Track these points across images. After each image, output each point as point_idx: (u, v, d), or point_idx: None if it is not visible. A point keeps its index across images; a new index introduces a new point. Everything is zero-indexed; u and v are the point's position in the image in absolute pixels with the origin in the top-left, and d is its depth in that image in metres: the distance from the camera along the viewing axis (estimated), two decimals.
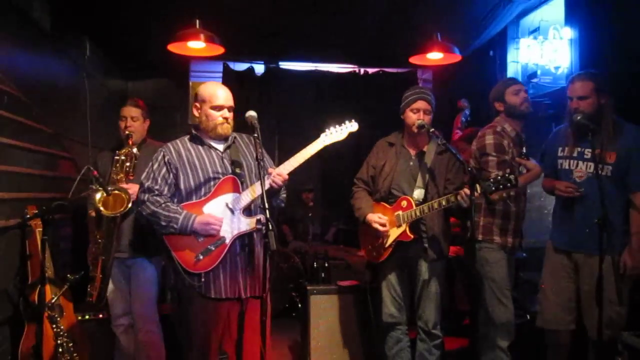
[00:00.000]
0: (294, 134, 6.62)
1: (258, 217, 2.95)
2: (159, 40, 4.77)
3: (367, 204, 3.67)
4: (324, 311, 4.17)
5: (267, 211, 2.67)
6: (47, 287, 3.30)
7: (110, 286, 3.70)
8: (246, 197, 3.00)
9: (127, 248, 3.68)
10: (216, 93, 3.09)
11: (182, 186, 3.03)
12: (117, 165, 3.62)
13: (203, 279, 2.93)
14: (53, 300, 3.37)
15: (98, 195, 3.43)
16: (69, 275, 3.38)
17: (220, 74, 6.84)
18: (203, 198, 3.01)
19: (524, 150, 3.62)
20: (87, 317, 3.90)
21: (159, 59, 5.85)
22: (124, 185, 3.54)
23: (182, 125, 7.09)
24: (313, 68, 7.14)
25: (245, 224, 2.99)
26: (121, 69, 6.53)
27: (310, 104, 7.10)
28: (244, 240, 3.01)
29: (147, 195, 3.00)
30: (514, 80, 3.80)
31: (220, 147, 3.13)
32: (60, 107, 4.54)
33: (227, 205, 2.99)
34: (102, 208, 3.45)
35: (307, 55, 6.93)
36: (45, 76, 4.39)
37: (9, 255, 3.47)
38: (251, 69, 6.94)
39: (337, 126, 3.35)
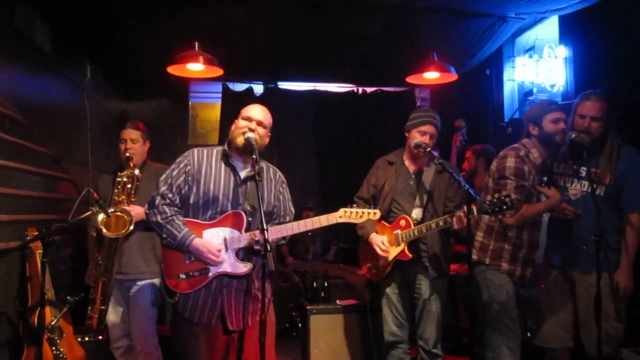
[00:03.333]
0: (292, 153, 6.67)
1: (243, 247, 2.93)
2: (159, 62, 4.82)
3: (369, 223, 3.68)
4: (324, 330, 4.16)
5: (266, 232, 2.66)
6: (47, 309, 3.30)
7: (110, 308, 3.70)
8: (245, 239, 2.95)
9: (127, 269, 3.69)
10: (250, 107, 3.10)
11: (191, 200, 2.99)
12: (119, 187, 3.63)
13: (177, 298, 2.92)
14: (53, 323, 3.37)
15: (100, 217, 3.43)
16: (68, 297, 3.38)
17: (220, 95, 6.90)
18: (207, 222, 2.98)
19: (545, 178, 3.48)
20: (86, 338, 3.90)
21: (158, 80, 5.90)
22: (126, 207, 3.56)
23: (182, 146, 7.13)
24: (311, 88, 7.20)
25: (233, 266, 2.95)
26: (121, 91, 6.59)
27: (309, 123, 7.15)
28: (227, 280, 2.97)
29: (158, 201, 2.96)
30: (555, 106, 3.51)
31: (243, 173, 3.05)
32: (60, 130, 4.59)
33: (224, 239, 2.96)
34: (104, 229, 3.46)
35: (306, 76, 6.98)
36: (46, 99, 4.44)
37: (9, 277, 3.48)
38: (250, 90, 7.00)
39: (358, 209, 3.10)
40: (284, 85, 7.16)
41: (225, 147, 3.08)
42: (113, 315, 3.75)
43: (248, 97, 6.92)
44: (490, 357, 3.52)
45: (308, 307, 4.23)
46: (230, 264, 2.95)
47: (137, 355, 3.72)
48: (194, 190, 2.98)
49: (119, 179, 3.65)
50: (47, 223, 3.67)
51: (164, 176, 3.02)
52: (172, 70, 4.77)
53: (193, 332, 2.95)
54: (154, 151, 4.00)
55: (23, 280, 3.53)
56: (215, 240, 2.94)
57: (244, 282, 2.99)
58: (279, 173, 3.23)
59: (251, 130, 3.00)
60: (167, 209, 2.94)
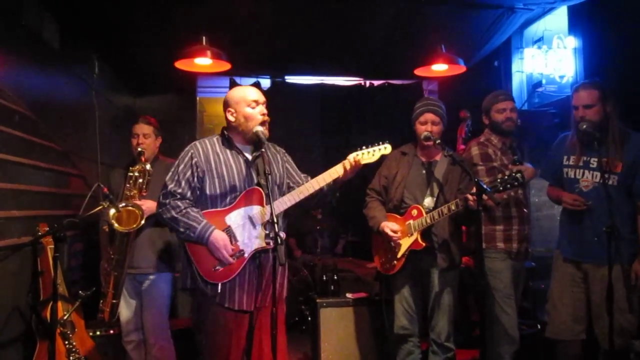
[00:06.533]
0: (300, 147, 6.66)
1: (268, 233, 2.91)
2: (166, 57, 4.82)
3: (380, 213, 3.68)
4: (334, 324, 4.17)
5: (277, 225, 2.66)
6: (59, 304, 3.32)
7: (122, 302, 3.72)
8: (269, 211, 2.91)
9: (138, 264, 3.70)
10: (247, 90, 3.08)
11: (207, 191, 2.97)
12: (131, 181, 3.64)
13: (219, 289, 2.90)
14: (65, 317, 3.39)
15: (112, 211, 3.43)
16: (80, 292, 3.41)
17: (227, 89, 6.89)
18: (227, 207, 2.97)
19: (516, 157, 3.68)
20: (98, 333, 3.92)
21: (166, 75, 5.90)
22: (138, 202, 3.57)
23: (190, 141, 7.11)
24: (319, 81, 7.18)
25: (265, 239, 2.95)
26: (129, 86, 6.60)
27: (316, 117, 7.14)
28: (261, 255, 2.98)
29: (168, 199, 2.95)
30: (502, 97, 3.81)
31: (249, 154, 3.07)
32: (69, 125, 4.60)
33: (249, 217, 2.95)
34: (115, 224, 3.47)
35: (313, 69, 6.97)
36: (55, 94, 4.45)
37: (21, 272, 3.50)
38: (257, 84, 6.98)
39: (369, 147, 3.14)
40: (291, 79, 7.14)
41: (226, 133, 3.10)
42: (125, 309, 3.77)
43: None
44: (489, 342, 3.57)
45: (318, 301, 4.23)
46: (262, 238, 2.95)
47: (150, 348, 3.73)
48: (208, 181, 2.97)
49: (131, 174, 3.66)
50: (58, 218, 3.69)
51: (169, 174, 3.01)
52: (180, 64, 4.78)
53: (226, 323, 2.92)
54: (161, 146, 4.00)
55: (35, 275, 3.54)
56: (241, 221, 2.94)
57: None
58: (277, 147, 3.28)
59: (265, 116, 3.04)
60: (179, 203, 2.94)
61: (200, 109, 7.55)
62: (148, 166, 3.67)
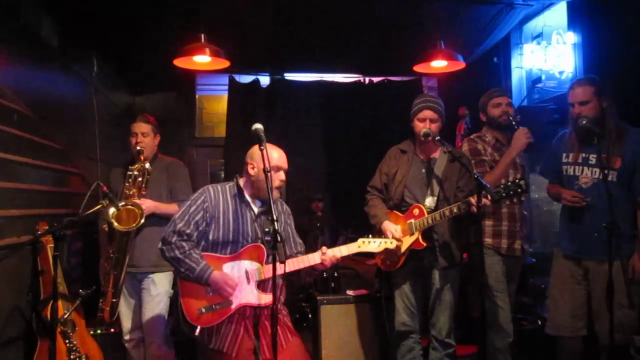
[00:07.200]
0: (299, 144, 6.66)
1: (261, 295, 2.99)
2: (165, 55, 4.81)
3: (382, 212, 3.68)
4: (334, 321, 4.17)
5: (276, 223, 2.68)
6: (60, 303, 3.31)
7: (121, 301, 3.73)
8: (267, 272, 3.02)
9: (138, 263, 3.71)
10: (275, 154, 3.10)
11: (210, 237, 3.05)
12: (130, 180, 3.65)
13: (197, 333, 2.95)
14: (65, 316, 3.39)
15: (112, 210, 3.45)
16: (80, 291, 3.41)
17: (226, 87, 6.89)
18: (227, 256, 3.05)
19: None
20: (98, 331, 3.92)
21: (165, 73, 5.89)
22: (137, 201, 3.57)
23: (189, 139, 7.13)
24: (318, 78, 7.17)
25: (256, 297, 3.02)
26: (128, 84, 6.58)
27: (316, 114, 7.11)
28: (250, 311, 3.04)
29: (175, 238, 2.99)
30: (497, 93, 3.88)
31: (257, 209, 3.13)
32: (68, 123, 4.59)
33: (246, 272, 3.03)
34: (115, 223, 3.47)
35: (312, 66, 6.95)
36: (54, 93, 4.44)
37: (21, 271, 3.50)
38: (257, 81, 6.97)
39: (375, 239, 3.29)
40: (290, 76, 7.13)
41: (240, 183, 3.15)
42: (125, 308, 3.77)
43: (254, 89, 6.89)
44: (487, 336, 3.62)
45: (318, 298, 4.24)
46: (253, 295, 3.02)
47: (149, 347, 3.74)
48: (213, 227, 3.05)
49: (130, 173, 3.67)
50: (57, 217, 3.69)
51: (180, 213, 3.06)
52: (179, 62, 4.76)
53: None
54: (161, 144, 4.00)
55: (35, 274, 3.54)
56: (237, 273, 3.02)
57: (267, 312, 3.04)
58: (285, 206, 3.37)
59: (283, 182, 3.12)
60: (184, 244, 2.99)
61: (199, 107, 7.53)
62: (147, 165, 3.67)
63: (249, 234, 3.07)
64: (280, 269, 2.74)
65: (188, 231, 3.00)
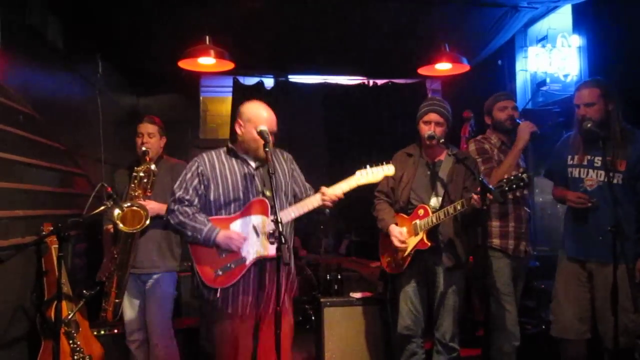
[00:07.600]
0: (303, 146, 6.65)
1: (272, 231, 2.91)
2: (170, 57, 4.83)
3: (389, 215, 3.69)
4: (337, 323, 4.16)
5: (280, 225, 2.67)
6: (64, 304, 3.32)
7: (125, 301, 3.72)
8: (269, 224, 3.00)
9: (142, 264, 3.70)
10: (263, 112, 3.10)
11: (211, 198, 3.06)
12: (135, 181, 3.65)
13: (219, 295, 2.96)
14: (69, 317, 3.40)
15: (117, 211, 3.46)
16: (84, 291, 3.42)
17: (231, 89, 6.90)
18: (232, 215, 3.05)
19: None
20: (102, 332, 3.92)
21: (169, 74, 5.91)
22: (142, 202, 3.57)
23: (194, 141, 7.15)
24: (322, 81, 7.18)
25: (267, 248, 3.01)
26: (132, 86, 6.60)
27: (319, 116, 7.13)
28: (264, 263, 3.03)
29: (177, 205, 3.04)
30: (504, 97, 3.89)
31: (254, 163, 3.14)
32: (73, 125, 4.61)
33: (253, 226, 3.03)
34: (120, 224, 3.48)
35: (316, 69, 6.96)
36: (59, 94, 4.46)
37: (26, 272, 3.51)
38: (261, 83, 6.99)
39: (373, 167, 3.24)
40: (294, 78, 7.14)
41: (230, 145, 3.16)
42: (129, 308, 3.77)
43: (258, 91, 6.90)
44: (492, 340, 3.62)
45: (322, 300, 4.22)
46: (265, 248, 3.00)
47: (153, 348, 3.73)
48: (212, 188, 3.06)
49: (135, 174, 3.67)
50: (62, 218, 3.70)
51: (177, 183, 3.11)
52: (184, 64, 4.78)
53: (232, 328, 2.99)
54: (165, 145, 4.00)
55: (39, 275, 3.56)
56: (245, 229, 3.02)
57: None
58: (285, 153, 3.34)
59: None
60: (187, 209, 3.03)
61: (203, 109, 7.56)
62: (153, 166, 3.68)
63: (248, 189, 3.07)
64: (285, 218, 2.81)
65: (188, 197, 3.04)
